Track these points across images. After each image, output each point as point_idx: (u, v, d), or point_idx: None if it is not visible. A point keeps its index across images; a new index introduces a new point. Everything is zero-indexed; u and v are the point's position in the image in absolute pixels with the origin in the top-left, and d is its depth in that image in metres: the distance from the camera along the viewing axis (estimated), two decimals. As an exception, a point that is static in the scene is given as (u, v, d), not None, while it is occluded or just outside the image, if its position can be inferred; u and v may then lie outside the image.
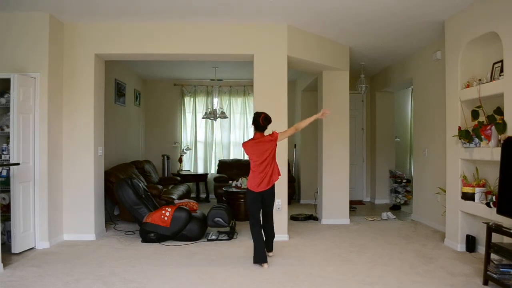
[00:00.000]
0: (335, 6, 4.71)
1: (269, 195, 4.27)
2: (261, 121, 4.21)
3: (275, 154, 4.28)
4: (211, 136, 9.64)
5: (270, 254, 4.45)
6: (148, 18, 5.14)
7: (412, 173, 7.55)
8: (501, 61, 4.14)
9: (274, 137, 4.23)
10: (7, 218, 4.64)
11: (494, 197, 4.04)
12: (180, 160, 9.21)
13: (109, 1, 4.59)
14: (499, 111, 4.13)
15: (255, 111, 4.40)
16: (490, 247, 3.56)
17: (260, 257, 4.16)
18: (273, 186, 4.29)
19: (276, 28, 5.37)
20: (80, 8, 4.78)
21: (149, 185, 6.77)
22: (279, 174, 4.31)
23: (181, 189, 7.64)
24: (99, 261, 4.31)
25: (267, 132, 4.33)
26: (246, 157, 9.55)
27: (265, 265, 4.13)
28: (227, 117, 9.21)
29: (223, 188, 7.50)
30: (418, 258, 4.44)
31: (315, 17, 5.11)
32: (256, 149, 4.20)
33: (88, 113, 5.29)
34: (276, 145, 4.25)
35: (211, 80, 9.33)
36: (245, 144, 4.29)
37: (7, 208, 4.63)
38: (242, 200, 6.81)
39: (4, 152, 4.79)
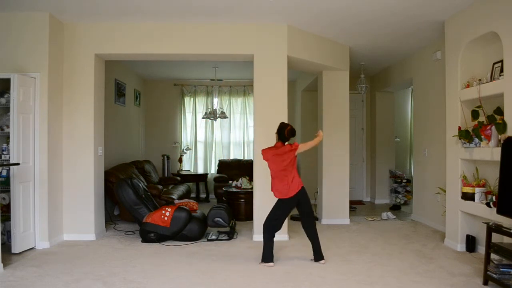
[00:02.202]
0: (335, 6, 4.71)
1: (303, 195, 4.25)
2: (286, 133, 4.24)
3: (295, 163, 4.28)
4: (211, 136, 9.64)
5: (322, 262, 4.25)
6: (148, 18, 5.14)
7: (412, 173, 7.55)
8: (501, 61, 4.14)
9: (294, 147, 4.25)
10: (7, 218, 4.64)
11: (494, 197, 4.04)
12: (180, 160, 9.21)
13: (109, 1, 4.59)
14: (499, 111, 4.13)
15: (281, 122, 4.40)
16: (490, 247, 3.56)
17: (264, 256, 4.21)
18: (303, 188, 4.27)
19: (276, 28, 5.37)
20: (80, 8, 4.78)
21: (149, 185, 6.77)
22: (300, 184, 4.26)
23: (181, 189, 7.65)
24: (99, 261, 4.31)
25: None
26: (246, 157, 9.60)
27: (271, 264, 4.17)
28: (227, 117, 9.21)
29: (223, 188, 7.50)
30: (418, 258, 4.44)
31: (315, 17, 5.11)
32: (276, 159, 4.21)
33: (88, 113, 5.29)
34: (295, 156, 4.25)
35: (211, 80, 9.33)
36: (265, 151, 4.27)
37: (7, 208, 4.63)
38: (242, 200, 6.81)
39: (4, 152, 4.79)
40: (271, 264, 4.18)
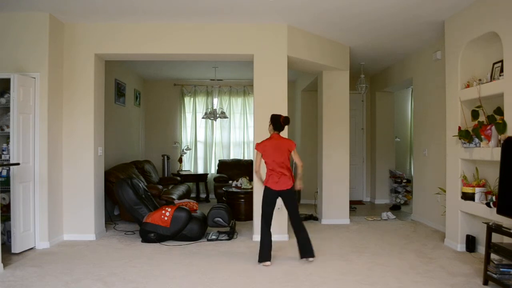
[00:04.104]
0: (335, 6, 4.71)
1: (288, 195, 4.31)
2: (282, 121, 4.37)
3: (289, 159, 4.39)
4: (211, 136, 9.64)
5: (311, 259, 4.31)
6: (148, 18, 5.14)
7: (412, 173, 7.55)
8: (501, 61, 4.14)
9: (292, 146, 4.36)
10: (7, 218, 4.64)
11: (494, 197, 4.04)
12: (180, 160, 9.21)
13: (109, 1, 4.58)
14: (499, 111, 4.13)
15: (272, 114, 4.50)
16: (490, 247, 3.56)
17: (261, 256, 4.21)
18: (293, 187, 4.33)
19: (276, 28, 5.37)
20: (80, 8, 4.78)
21: (149, 185, 6.77)
22: (293, 180, 4.36)
23: (181, 189, 7.64)
24: (99, 261, 4.31)
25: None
26: (246, 157, 9.59)
27: (267, 263, 4.18)
28: (227, 117, 9.22)
29: (223, 188, 7.50)
30: (418, 258, 4.44)
31: (315, 17, 5.11)
32: (275, 148, 4.29)
33: (88, 113, 5.29)
34: (290, 153, 4.37)
35: (211, 80, 9.33)
36: (261, 144, 4.34)
37: (7, 208, 4.63)
38: (242, 200, 6.81)
39: (4, 152, 4.78)
40: (267, 263, 4.18)
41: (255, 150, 4.42)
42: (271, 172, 4.31)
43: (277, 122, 4.37)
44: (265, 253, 4.21)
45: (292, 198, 4.35)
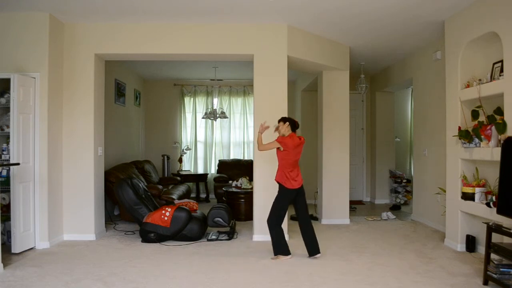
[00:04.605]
0: (335, 6, 4.71)
1: (302, 191, 4.46)
2: (296, 125, 4.52)
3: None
4: (211, 136, 9.65)
5: (318, 255, 4.44)
6: (148, 18, 5.14)
7: (412, 173, 7.55)
8: (501, 61, 4.14)
9: (303, 141, 4.50)
10: (7, 218, 4.64)
11: (494, 197, 4.04)
12: (180, 160, 9.21)
13: (109, 1, 4.58)
14: (499, 111, 4.13)
15: (284, 117, 4.64)
16: (490, 247, 3.56)
17: (283, 250, 4.39)
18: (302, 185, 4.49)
19: (276, 28, 5.37)
20: (80, 8, 4.78)
21: (149, 185, 6.77)
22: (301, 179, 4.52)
23: (181, 189, 7.64)
24: (99, 261, 4.31)
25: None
26: (246, 157, 9.59)
27: (289, 256, 4.40)
28: (227, 117, 9.22)
29: (223, 188, 7.50)
30: (418, 258, 4.44)
31: (315, 17, 5.11)
32: (295, 148, 4.37)
33: (88, 113, 5.29)
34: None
35: (211, 80, 9.34)
36: (288, 140, 4.31)
37: (7, 208, 4.63)
38: (242, 200, 6.82)
39: (4, 152, 4.78)
40: (289, 256, 4.37)
41: (276, 142, 4.33)
42: (285, 170, 4.34)
43: (294, 123, 4.49)
44: (285, 246, 4.39)
45: (304, 195, 4.49)
